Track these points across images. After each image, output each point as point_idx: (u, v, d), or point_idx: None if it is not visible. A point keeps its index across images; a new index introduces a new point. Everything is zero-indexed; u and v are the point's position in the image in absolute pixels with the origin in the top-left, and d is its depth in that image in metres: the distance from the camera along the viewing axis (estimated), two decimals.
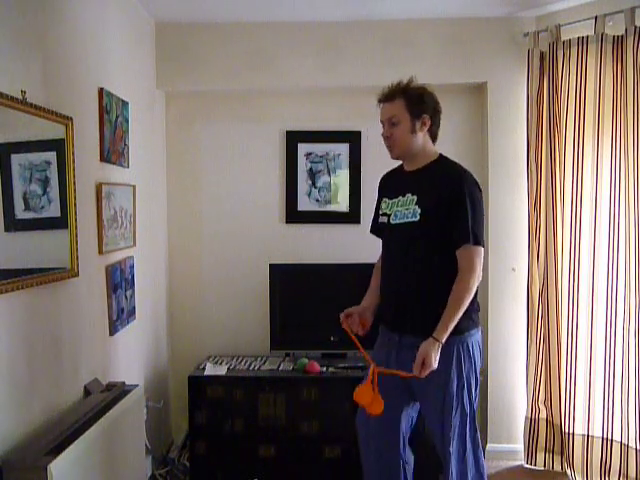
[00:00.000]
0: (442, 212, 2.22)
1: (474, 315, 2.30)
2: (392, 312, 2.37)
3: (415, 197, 2.28)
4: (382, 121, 2.35)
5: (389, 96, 2.31)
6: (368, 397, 2.24)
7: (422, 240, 2.26)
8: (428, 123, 2.30)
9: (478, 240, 2.22)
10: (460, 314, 2.18)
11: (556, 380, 3.24)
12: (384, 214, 2.41)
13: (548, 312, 3.25)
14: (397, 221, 2.33)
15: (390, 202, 2.38)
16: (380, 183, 2.55)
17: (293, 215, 3.70)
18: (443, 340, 2.14)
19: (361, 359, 3.39)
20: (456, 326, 2.21)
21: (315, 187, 3.69)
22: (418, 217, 2.25)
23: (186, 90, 3.62)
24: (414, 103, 2.28)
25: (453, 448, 2.27)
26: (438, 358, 2.14)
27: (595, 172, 3.10)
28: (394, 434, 2.39)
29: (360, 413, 2.43)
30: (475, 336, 2.29)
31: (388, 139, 2.33)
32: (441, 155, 2.37)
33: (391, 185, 2.46)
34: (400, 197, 2.34)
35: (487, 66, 3.46)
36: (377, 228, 2.52)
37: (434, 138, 2.37)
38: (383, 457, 2.42)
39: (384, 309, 2.42)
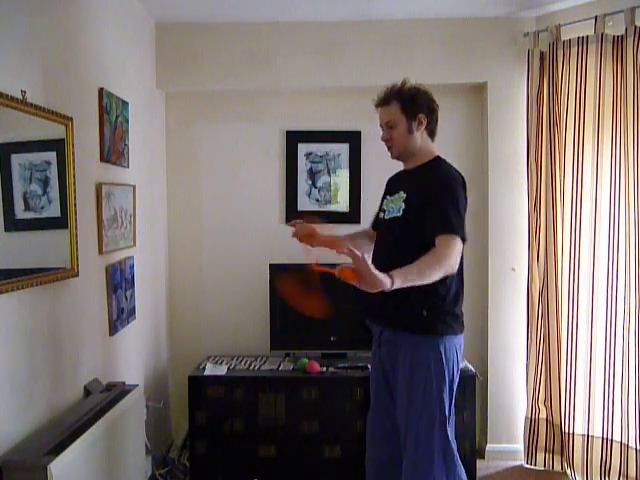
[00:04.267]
0: (422, 208, 2.22)
1: (451, 320, 2.27)
2: (375, 306, 2.39)
3: (405, 195, 2.33)
4: (381, 125, 2.40)
5: (384, 100, 2.36)
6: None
7: (402, 236, 2.29)
8: (424, 122, 2.34)
9: (455, 230, 2.15)
10: (419, 280, 2.05)
11: (556, 380, 3.24)
12: (382, 210, 2.47)
13: (548, 312, 3.25)
14: (387, 217, 2.39)
15: (389, 199, 2.44)
16: (387, 182, 2.60)
17: (293, 215, 3.69)
18: (395, 281, 1.97)
19: (361, 359, 3.39)
20: (428, 326, 2.22)
21: (315, 187, 3.69)
22: (401, 213, 2.30)
23: (186, 90, 3.62)
24: (408, 105, 2.32)
25: (409, 456, 2.24)
26: (374, 287, 1.95)
27: (595, 172, 3.10)
28: (389, 430, 2.38)
29: (370, 412, 2.48)
30: (452, 341, 2.25)
31: (387, 142, 2.39)
32: (438, 157, 2.39)
33: (393, 184, 2.52)
34: (395, 194, 2.39)
35: (487, 66, 3.46)
36: (375, 224, 2.58)
37: (432, 135, 2.40)
38: (380, 451, 2.44)
39: (369, 303, 2.41)
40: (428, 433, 2.23)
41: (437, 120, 2.40)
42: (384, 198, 2.52)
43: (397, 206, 2.34)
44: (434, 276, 2.09)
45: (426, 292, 2.16)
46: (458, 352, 2.29)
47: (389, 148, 2.39)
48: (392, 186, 2.50)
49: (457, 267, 2.17)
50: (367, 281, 1.94)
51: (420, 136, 2.35)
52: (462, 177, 2.34)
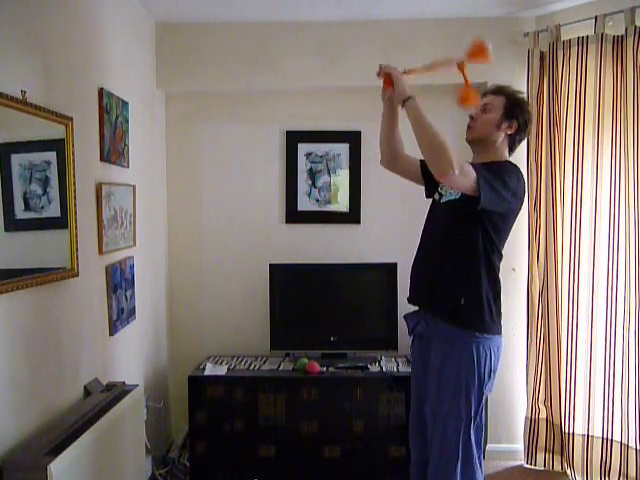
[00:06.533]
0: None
1: (488, 317, 2.26)
2: (413, 288, 2.42)
3: None
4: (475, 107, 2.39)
5: (495, 90, 2.40)
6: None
7: (458, 217, 2.26)
8: (514, 128, 2.34)
9: (479, 179, 2.12)
10: (418, 125, 2.14)
11: (556, 380, 3.24)
12: (438, 193, 2.43)
13: (548, 312, 3.25)
14: (443, 200, 2.36)
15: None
16: None
17: (293, 215, 3.70)
18: (410, 99, 2.18)
19: (361, 359, 3.39)
20: (464, 317, 2.23)
21: (315, 187, 3.69)
22: (459, 195, 2.26)
23: (186, 90, 3.63)
24: (512, 105, 2.34)
25: (434, 456, 2.23)
26: (400, 81, 2.23)
27: (595, 172, 3.10)
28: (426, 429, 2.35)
29: (411, 408, 2.48)
30: (487, 341, 2.24)
31: (473, 120, 2.37)
32: (508, 160, 2.38)
33: None
34: None
35: (487, 66, 3.40)
36: (425, 168, 2.47)
37: (512, 148, 2.40)
38: (419, 451, 2.41)
39: (409, 288, 2.45)
40: (454, 434, 2.21)
41: (522, 140, 2.41)
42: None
43: (455, 190, 2.29)
44: (428, 140, 2.11)
45: (468, 282, 2.22)
46: (492, 354, 2.25)
47: (469, 127, 2.37)
48: None
49: (454, 173, 2.07)
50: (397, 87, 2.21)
51: (502, 137, 2.34)
52: (524, 182, 2.34)
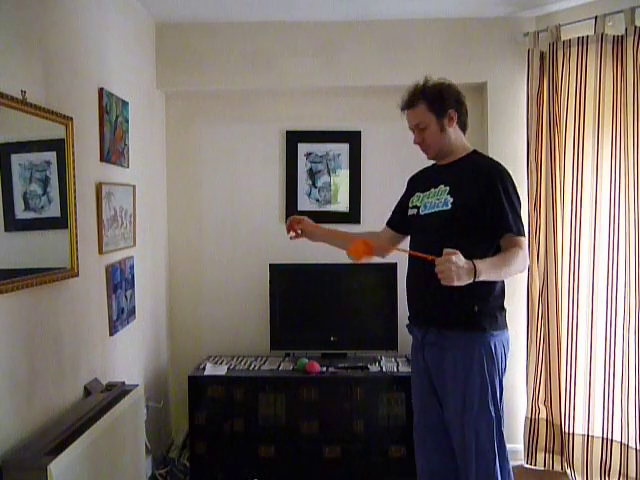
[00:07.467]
0: (476, 202, 2.18)
1: (498, 314, 2.26)
2: (416, 305, 2.35)
3: (447, 188, 2.26)
4: (410, 128, 2.35)
5: (409, 103, 2.31)
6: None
7: (452, 229, 2.21)
8: (455, 117, 2.29)
9: (520, 231, 2.19)
10: (501, 272, 2.15)
11: (556, 380, 3.24)
12: (414, 207, 2.38)
13: (548, 312, 3.25)
14: (427, 211, 2.30)
15: (422, 195, 2.36)
16: (410, 180, 2.54)
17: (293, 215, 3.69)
18: (480, 271, 2.02)
19: (361, 359, 3.40)
20: (479, 322, 2.20)
21: (315, 187, 3.69)
22: (450, 206, 2.22)
23: (186, 90, 3.63)
24: (435, 103, 2.27)
25: (473, 452, 2.19)
26: (462, 279, 2.00)
27: (595, 172, 3.09)
28: (440, 438, 2.31)
29: (415, 420, 2.42)
30: (500, 337, 2.24)
31: (421, 144, 2.34)
32: (475, 150, 2.37)
33: (424, 180, 2.43)
34: (432, 189, 2.32)
35: (487, 66, 3.46)
36: (396, 222, 2.55)
37: (464, 127, 2.36)
38: (432, 461, 2.36)
39: (409, 304, 2.39)
40: (489, 434, 2.19)
41: (467, 111, 2.36)
42: (411, 195, 2.42)
43: (440, 199, 2.25)
44: (510, 271, 2.18)
45: (480, 290, 2.14)
46: (506, 348, 2.27)
47: (424, 151, 2.35)
48: (424, 182, 2.40)
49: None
50: (456, 276, 2.00)
51: (453, 131, 2.31)
52: (504, 166, 2.34)
